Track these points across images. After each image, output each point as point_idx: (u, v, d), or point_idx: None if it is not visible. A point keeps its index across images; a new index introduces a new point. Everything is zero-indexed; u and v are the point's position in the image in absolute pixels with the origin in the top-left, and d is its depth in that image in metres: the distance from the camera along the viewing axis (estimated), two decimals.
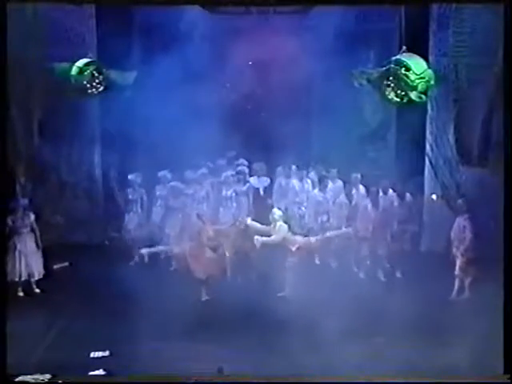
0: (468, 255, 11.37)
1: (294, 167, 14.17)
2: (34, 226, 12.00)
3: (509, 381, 8.41)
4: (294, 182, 14.00)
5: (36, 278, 12.05)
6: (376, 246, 12.49)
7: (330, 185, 13.59)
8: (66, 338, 10.19)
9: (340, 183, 13.63)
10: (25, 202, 12.02)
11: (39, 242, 12.04)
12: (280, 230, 11.48)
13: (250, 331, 10.27)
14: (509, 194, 9.03)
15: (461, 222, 11.49)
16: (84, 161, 14.41)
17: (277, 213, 11.75)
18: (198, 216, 11.93)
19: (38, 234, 12.02)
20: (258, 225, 11.82)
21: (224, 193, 13.47)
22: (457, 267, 11.46)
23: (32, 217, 11.96)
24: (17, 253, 11.77)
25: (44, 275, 12.16)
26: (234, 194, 13.40)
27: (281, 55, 15.12)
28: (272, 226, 11.60)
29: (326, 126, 15.11)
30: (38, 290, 12.09)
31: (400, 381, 8.58)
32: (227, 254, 12.43)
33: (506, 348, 8.50)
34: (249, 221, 12.03)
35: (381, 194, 12.70)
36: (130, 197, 13.41)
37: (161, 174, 13.54)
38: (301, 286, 11.34)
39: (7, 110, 10.44)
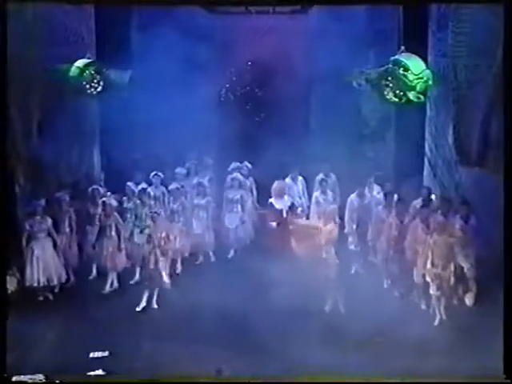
0: (462, 270, 10.83)
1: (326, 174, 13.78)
2: (52, 230, 11.64)
3: (508, 381, 8.45)
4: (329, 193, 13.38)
5: (55, 283, 11.62)
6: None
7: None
8: (70, 338, 10.18)
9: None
10: (40, 205, 11.63)
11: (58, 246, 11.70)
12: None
13: (249, 332, 10.27)
14: (509, 194, 9.05)
15: (446, 240, 10.64)
16: (84, 161, 14.42)
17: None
18: None
19: (56, 238, 11.70)
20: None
21: (171, 206, 12.71)
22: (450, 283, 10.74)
23: (49, 221, 11.62)
24: (34, 258, 11.39)
25: (67, 280, 11.86)
26: (180, 208, 12.63)
27: (280, 55, 15.14)
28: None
29: (325, 125, 15.15)
30: (51, 297, 11.64)
31: (400, 381, 8.62)
32: None
33: (506, 350, 8.53)
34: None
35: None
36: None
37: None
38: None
39: (7, 109, 10.43)
